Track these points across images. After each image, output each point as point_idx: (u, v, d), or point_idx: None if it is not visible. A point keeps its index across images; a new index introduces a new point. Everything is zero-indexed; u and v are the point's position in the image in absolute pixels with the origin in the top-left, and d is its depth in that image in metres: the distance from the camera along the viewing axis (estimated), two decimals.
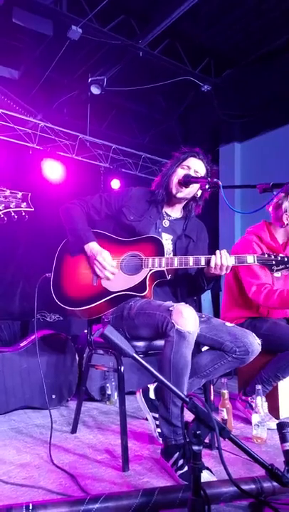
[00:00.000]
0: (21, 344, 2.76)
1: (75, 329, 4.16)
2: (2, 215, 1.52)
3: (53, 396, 2.67)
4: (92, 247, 1.96)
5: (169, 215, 2.13)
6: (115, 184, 5.43)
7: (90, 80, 4.55)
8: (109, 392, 2.82)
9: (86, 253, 1.97)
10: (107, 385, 2.83)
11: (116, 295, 1.88)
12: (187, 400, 1.09)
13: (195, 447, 1.07)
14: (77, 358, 2.82)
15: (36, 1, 3.67)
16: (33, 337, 2.77)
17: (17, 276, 4.74)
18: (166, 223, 2.11)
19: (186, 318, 1.66)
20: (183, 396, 1.11)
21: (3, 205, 1.51)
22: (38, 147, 4.72)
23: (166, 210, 2.14)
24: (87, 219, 2.09)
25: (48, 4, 3.73)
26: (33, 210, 1.64)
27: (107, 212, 2.11)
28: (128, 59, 4.38)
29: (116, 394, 2.81)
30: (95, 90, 4.56)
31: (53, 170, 4.77)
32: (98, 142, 5.16)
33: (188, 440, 1.09)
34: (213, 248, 2.05)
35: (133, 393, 2.54)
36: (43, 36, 3.90)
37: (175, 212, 2.16)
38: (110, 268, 1.91)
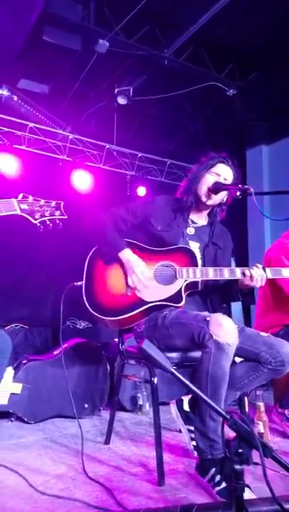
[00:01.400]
0: (54, 352, 2.79)
1: (105, 336, 4.17)
2: (38, 224, 1.56)
3: (86, 405, 2.68)
4: (129, 255, 1.94)
5: (195, 222, 2.11)
6: (141, 191, 5.45)
7: (116, 90, 4.59)
8: (140, 402, 2.79)
9: (121, 261, 1.96)
10: (139, 394, 2.81)
11: (151, 305, 1.86)
12: (228, 417, 1.06)
13: (237, 466, 1.03)
14: (108, 367, 2.81)
15: (65, 17, 3.75)
16: (65, 345, 2.79)
17: (49, 283, 4.81)
18: (191, 231, 2.08)
19: (226, 330, 1.62)
20: (223, 413, 1.07)
21: (39, 214, 1.55)
22: (67, 158, 4.80)
23: (192, 217, 2.11)
24: (115, 229, 2.09)
25: (76, 20, 3.81)
26: (66, 217, 1.67)
27: (133, 222, 2.10)
28: (153, 68, 4.41)
29: (147, 404, 2.78)
30: (121, 101, 4.60)
31: (82, 180, 4.84)
32: (124, 151, 5.21)
33: (229, 457, 1.05)
34: (241, 253, 2.01)
35: (164, 404, 2.51)
36: (71, 51, 3.98)
37: (201, 219, 2.13)
38: (145, 281, 1.89)
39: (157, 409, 1.79)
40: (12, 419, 2.50)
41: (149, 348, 1.02)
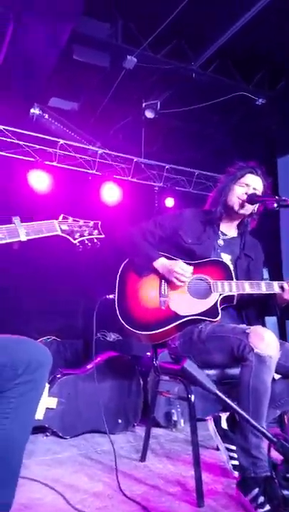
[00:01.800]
0: (87, 367, 2.81)
1: (136, 349, 4.16)
2: (78, 243, 1.60)
3: (119, 421, 2.67)
4: (164, 262, 1.95)
5: (225, 234, 2.09)
6: (169, 202, 5.47)
7: (144, 105, 4.67)
8: (175, 418, 2.76)
9: (157, 271, 1.96)
10: (173, 411, 2.78)
11: (186, 320, 1.84)
12: (274, 439, 1.03)
13: (286, 492, 1.00)
14: (141, 382, 2.80)
15: (94, 36, 3.87)
16: (98, 359, 2.80)
17: (79, 295, 4.88)
18: (222, 243, 2.07)
19: (267, 342, 1.58)
20: (269, 435, 1.04)
21: (78, 234, 1.60)
22: (97, 173, 4.90)
23: (222, 228, 2.10)
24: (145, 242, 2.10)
25: (104, 38, 3.92)
26: (103, 236, 1.70)
27: (161, 235, 2.10)
28: (180, 81, 4.46)
29: (182, 421, 2.74)
30: (149, 114, 4.67)
31: (111, 193, 4.91)
32: (152, 163, 5.26)
33: (273, 477, 1.02)
34: (275, 265, 1.97)
35: (199, 420, 2.46)
36: (100, 68, 4.09)
37: (231, 230, 2.11)
38: (185, 272, 1.88)
39: (195, 426, 1.77)
40: (47, 433, 2.53)
41: (192, 367, 1.01)
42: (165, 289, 1.94)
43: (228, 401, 1.03)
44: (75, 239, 1.59)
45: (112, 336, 4.41)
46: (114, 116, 5.03)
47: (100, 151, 4.87)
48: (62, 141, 4.64)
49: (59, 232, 1.57)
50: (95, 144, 4.92)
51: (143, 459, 2.17)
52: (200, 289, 1.90)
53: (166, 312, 1.89)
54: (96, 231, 1.64)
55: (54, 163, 4.66)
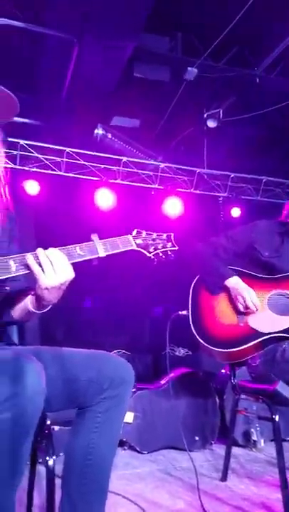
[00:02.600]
0: (161, 382, 2.85)
1: (206, 365, 4.12)
2: (152, 257, 1.63)
3: (196, 438, 2.67)
4: (236, 281, 1.94)
5: None
6: (236, 212, 5.39)
7: (205, 114, 4.70)
8: (254, 438, 2.68)
9: (228, 289, 1.96)
10: (252, 430, 2.71)
11: (268, 337, 1.81)
12: None
13: None
14: (217, 400, 2.77)
15: (154, 51, 4.00)
16: (171, 375, 2.84)
17: (146, 311, 4.98)
18: None
19: None
20: None
21: (152, 247, 1.62)
22: (159, 187, 5.01)
23: None
24: (217, 259, 2.09)
25: (164, 52, 4.04)
26: (177, 248, 1.72)
27: (235, 250, 2.08)
28: (243, 87, 4.43)
29: (262, 441, 2.66)
30: (211, 124, 4.68)
31: (174, 207, 4.98)
32: (215, 173, 5.25)
33: None
34: None
35: (284, 441, 2.38)
36: (161, 83, 4.21)
37: None
38: (252, 306, 1.86)
39: (281, 448, 1.72)
40: (125, 447, 2.60)
41: (285, 390, 1.00)
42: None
43: None
44: (150, 252, 1.61)
45: (181, 351, 4.41)
46: (174, 129, 5.11)
47: (162, 165, 4.98)
48: (125, 159, 4.83)
49: (134, 247, 1.57)
50: (157, 159, 5.04)
51: (224, 478, 2.15)
52: (281, 305, 1.86)
53: (244, 329, 1.87)
54: (170, 243, 1.66)
55: (118, 181, 4.86)
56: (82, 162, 4.77)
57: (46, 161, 4.68)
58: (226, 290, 1.97)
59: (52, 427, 1.40)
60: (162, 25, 4.04)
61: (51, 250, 1.28)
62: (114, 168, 4.84)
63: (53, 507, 1.25)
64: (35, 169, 4.66)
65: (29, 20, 3.51)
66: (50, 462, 1.28)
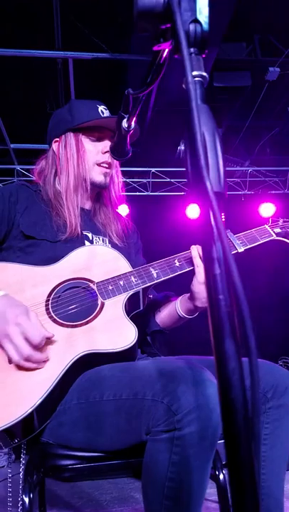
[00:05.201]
0: None
1: None
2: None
3: None
4: None
5: None
6: None
7: None
8: None
9: None
10: None
11: None
12: None
13: None
14: None
15: (233, 58, 4.14)
16: None
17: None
18: None
19: None
20: None
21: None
22: (249, 192, 5.03)
23: None
24: None
25: (243, 57, 4.16)
26: None
27: None
28: None
29: None
30: None
31: (268, 209, 4.95)
32: None
33: None
34: None
35: None
36: (242, 88, 4.32)
37: None
38: None
39: None
40: None
41: None
42: None
43: None
44: None
45: None
46: (259, 131, 5.16)
47: (250, 169, 5.01)
48: None
49: (274, 237, 1.52)
50: (243, 165, 5.09)
51: None
52: None
53: None
54: None
55: None
56: (168, 179, 4.98)
57: (133, 184, 4.96)
58: None
59: None
60: (236, 31, 4.19)
61: None
62: None
63: None
64: (123, 193, 4.96)
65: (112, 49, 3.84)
66: (221, 476, 1.26)
